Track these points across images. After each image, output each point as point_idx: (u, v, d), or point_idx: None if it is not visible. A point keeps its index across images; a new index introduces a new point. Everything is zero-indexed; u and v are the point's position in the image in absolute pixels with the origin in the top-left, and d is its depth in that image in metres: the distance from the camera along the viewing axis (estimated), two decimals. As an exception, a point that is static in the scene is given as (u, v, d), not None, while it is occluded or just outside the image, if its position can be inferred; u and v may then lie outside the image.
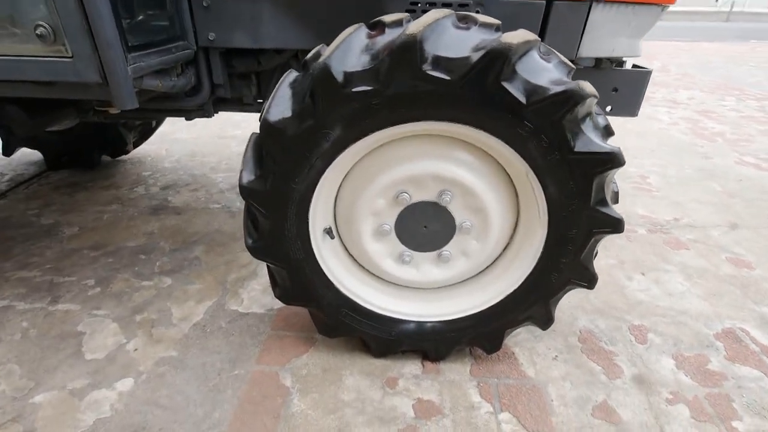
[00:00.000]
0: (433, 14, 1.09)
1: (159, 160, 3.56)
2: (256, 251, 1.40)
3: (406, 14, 1.18)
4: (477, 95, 1.08)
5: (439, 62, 1.05)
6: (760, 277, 2.11)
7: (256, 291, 2.03)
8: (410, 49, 1.03)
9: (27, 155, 3.49)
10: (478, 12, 1.54)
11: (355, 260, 1.55)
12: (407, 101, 1.11)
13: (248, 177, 1.26)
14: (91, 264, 2.22)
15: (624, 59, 1.81)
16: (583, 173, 1.17)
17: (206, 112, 2.01)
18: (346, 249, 1.54)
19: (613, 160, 1.14)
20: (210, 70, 1.79)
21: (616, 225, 1.25)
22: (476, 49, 1.04)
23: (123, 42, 1.31)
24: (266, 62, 1.83)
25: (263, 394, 1.53)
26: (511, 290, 1.45)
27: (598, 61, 1.78)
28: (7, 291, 2.01)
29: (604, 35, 1.61)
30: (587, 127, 1.13)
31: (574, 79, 1.13)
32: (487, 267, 1.53)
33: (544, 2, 1.52)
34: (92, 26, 1.22)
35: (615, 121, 4.19)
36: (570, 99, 1.06)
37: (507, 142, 1.17)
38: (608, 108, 1.82)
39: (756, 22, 17.99)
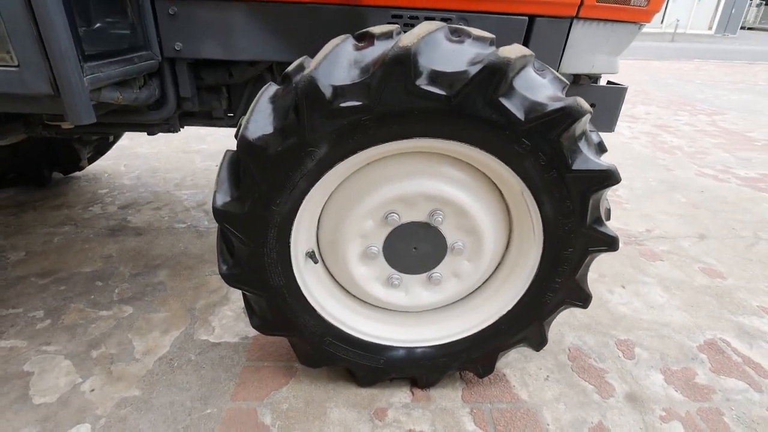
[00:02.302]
0: (426, 26, 1.03)
1: (117, 176, 3.33)
2: (232, 278, 1.28)
3: (396, 26, 1.12)
4: (473, 111, 1.03)
5: (434, 77, 0.99)
6: (733, 287, 2.17)
7: (228, 318, 1.89)
8: (404, 63, 0.96)
9: (-35, 172, 3.18)
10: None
11: (339, 285, 1.46)
12: (399, 117, 1.04)
13: (223, 199, 1.15)
14: (40, 293, 2.00)
15: (599, 76, 1.83)
16: (580, 191, 1.13)
17: (171, 126, 1.87)
18: (330, 273, 1.44)
19: (610, 177, 1.11)
20: (176, 82, 1.66)
21: (611, 243, 1.22)
22: (473, 63, 0.99)
23: (78, 50, 1.18)
24: (238, 75, 1.73)
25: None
26: (504, 311, 1.39)
27: (577, 77, 1.79)
28: (-61, 328, 1.78)
29: (584, 51, 1.62)
30: (584, 145, 1.10)
31: (567, 94, 1.11)
32: (478, 288, 1.47)
33: (527, 18, 1.51)
34: (42, 32, 1.09)
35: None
36: (568, 116, 1.02)
37: (503, 160, 1.12)
38: None
39: (698, 43, 19.37)
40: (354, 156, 1.11)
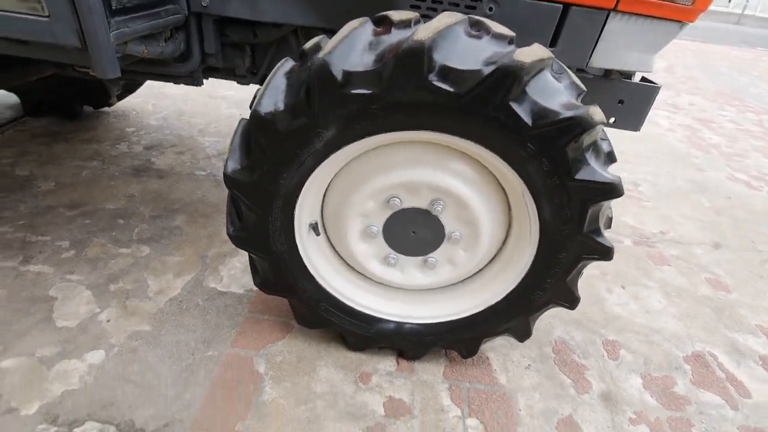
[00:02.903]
0: (445, 19, 1.01)
1: (144, 115, 3.42)
2: (238, 240, 1.36)
3: (416, 14, 1.10)
4: (481, 111, 1.03)
5: (446, 73, 0.99)
6: (735, 302, 2.15)
7: (236, 269, 2.00)
8: (417, 57, 0.96)
9: (3, 97, 3.31)
10: (491, 9, 1.46)
11: (339, 256, 1.52)
12: (408, 109, 1.05)
13: (234, 166, 1.20)
14: (67, 224, 2.15)
15: (633, 72, 1.75)
16: (580, 201, 1.14)
17: (195, 79, 1.90)
18: (332, 244, 1.50)
19: (613, 191, 1.11)
20: (201, 37, 1.68)
21: (605, 253, 1.23)
22: (487, 63, 0.98)
23: (106, 5, 1.21)
24: (263, 35, 1.72)
25: (236, 379, 1.53)
26: (493, 302, 1.44)
27: (608, 72, 1.72)
28: (-23, 246, 1.94)
29: (618, 47, 1.55)
30: (591, 155, 1.10)
31: (584, 101, 1.09)
32: (471, 276, 1.52)
33: (561, 6, 1.44)
34: (71, -16, 1.12)
35: (615, 122, 4.14)
36: (578, 126, 1.02)
37: (506, 161, 1.13)
38: (612, 120, 1.78)
39: (765, 29, 17.76)
40: (361, 141, 1.14)
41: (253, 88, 2.92)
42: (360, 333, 1.57)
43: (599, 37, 1.50)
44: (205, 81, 1.95)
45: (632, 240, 2.55)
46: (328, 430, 1.40)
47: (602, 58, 1.56)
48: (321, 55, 1.02)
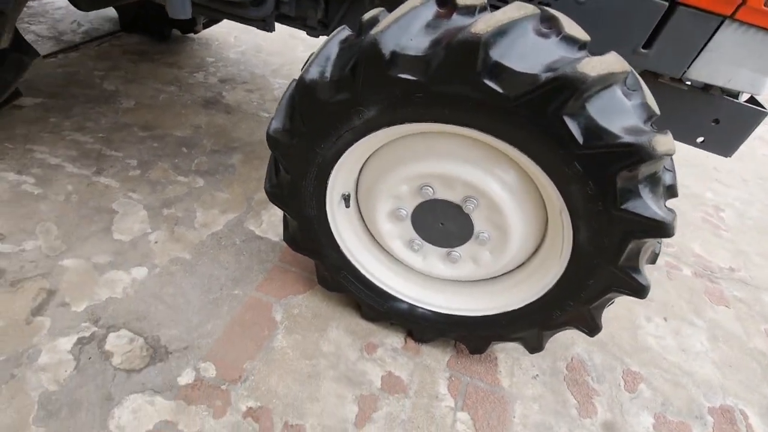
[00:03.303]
0: (513, 12, 0.92)
1: (225, 47, 3.52)
2: (273, 196, 1.40)
3: (483, 0, 1.00)
4: (531, 118, 0.95)
5: (499, 72, 0.91)
6: (791, 363, 1.93)
7: (276, 218, 2.09)
8: (470, 51, 0.89)
9: (105, 11, 3.53)
10: None
11: (366, 229, 1.53)
12: (453, 103, 0.99)
13: (276, 126, 1.22)
14: (138, 144, 2.33)
15: (739, 92, 1.52)
16: (622, 233, 1.04)
17: (267, 25, 1.91)
18: (362, 217, 1.51)
19: (661, 230, 1.00)
20: (277, -16, 1.66)
21: (638, 291, 1.14)
22: (547, 69, 0.89)
23: (184, -54, 1.22)
24: (338, -12, 1.67)
25: (253, 321, 1.64)
26: (509, 308, 1.40)
27: (708, 86, 1.50)
28: (61, 150, 2.17)
29: (725, 60, 1.34)
30: (644, 187, 0.99)
31: (656, 125, 0.96)
32: (493, 277, 1.48)
33: (667, 4, 1.26)
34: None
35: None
36: (635, 155, 0.91)
37: (549, 175, 1.05)
38: (700, 139, 1.58)
39: None
40: (402, 126, 1.10)
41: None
42: (374, 306, 1.61)
43: (705, 45, 1.30)
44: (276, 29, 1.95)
45: (693, 270, 2.33)
46: (324, 388, 1.48)
47: (704, 71, 1.36)
48: (374, 31, 0.97)
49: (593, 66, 0.88)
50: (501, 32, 0.90)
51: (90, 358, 1.42)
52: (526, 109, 0.93)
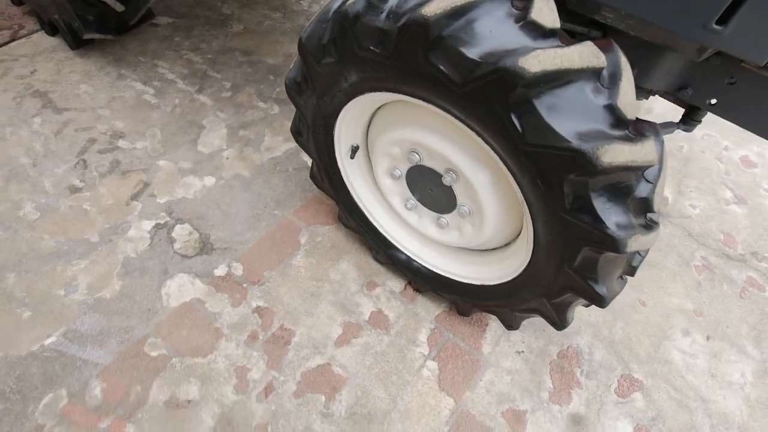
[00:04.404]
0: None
1: (337, -27, 3.58)
2: (295, 137, 1.58)
3: None
4: (480, 105, 0.92)
5: (447, 55, 0.89)
6: None
7: (329, 152, 2.28)
8: (417, 33, 0.88)
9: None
10: None
11: (374, 178, 1.64)
12: (414, 80, 1.00)
13: (291, 75, 1.35)
14: (236, 68, 2.66)
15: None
16: (573, 238, 0.99)
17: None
18: (371, 167, 1.61)
19: (610, 246, 0.93)
20: None
21: (596, 300, 1.08)
22: (491, 58, 0.84)
23: None
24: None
25: (282, 239, 1.93)
26: (486, 283, 1.43)
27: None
28: (177, 67, 2.61)
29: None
30: (600, 197, 0.91)
31: (636, 133, 0.86)
32: (479, 250, 1.49)
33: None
34: None
35: None
36: (578, 164, 0.84)
37: (504, 164, 1.01)
38: None
39: None
40: (381, 93, 1.15)
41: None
42: (378, 250, 1.76)
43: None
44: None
45: (756, 287, 1.94)
46: (320, 307, 1.74)
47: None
48: (345, 6, 1.01)
49: (540, 60, 0.81)
50: (455, 13, 0.86)
51: (160, 240, 1.88)
52: (474, 95, 0.91)
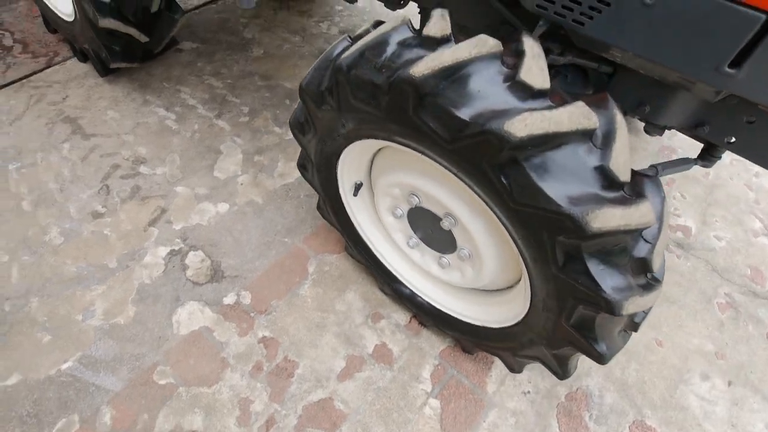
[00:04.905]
0: (465, 50, 0.85)
1: (357, -5, 3.63)
2: (301, 171, 1.61)
3: (447, 30, 0.93)
4: (469, 162, 0.91)
5: (437, 114, 0.89)
6: None
7: (341, 178, 2.30)
8: (405, 93, 0.88)
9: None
10: None
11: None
12: (408, 134, 1.00)
13: (295, 115, 1.37)
14: (254, 92, 2.73)
15: None
16: (567, 296, 0.96)
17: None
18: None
19: (605, 307, 0.90)
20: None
21: (596, 358, 1.05)
22: (479, 119, 0.83)
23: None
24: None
25: (291, 267, 1.96)
26: (488, 325, 1.41)
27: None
28: (198, 93, 2.70)
29: None
30: (594, 258, 0.88)
31: (632, 194, 0.83)
32: (481, 290, 1.47)
33: (764, 17, 0.95)
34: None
35: None
36: (569, 229, 0.82)
37: (497, 217, 1.00)
38: None
39: None
40: (377, 140, 1.15)
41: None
42: (382, 282, 1.75)
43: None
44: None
45: (815, 337, 1.82)
46: (325, 339, 1.75)
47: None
48: (344, 54, 1.02)
49: (527, 124, 0.79)
50: (444, 73, 0.86)
51: (174, 267, 1.94)
52: (463, 152, 0.90)
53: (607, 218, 0.80)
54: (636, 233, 0.87)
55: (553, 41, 1.43)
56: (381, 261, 1.68)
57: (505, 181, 0.86)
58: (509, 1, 1.42)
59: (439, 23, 0.92)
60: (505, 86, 0.85)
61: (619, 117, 0.87)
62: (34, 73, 2.75)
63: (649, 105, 1.42)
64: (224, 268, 1.94)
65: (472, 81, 0.86)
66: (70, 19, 2.46)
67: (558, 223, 0.83)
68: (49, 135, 2.43)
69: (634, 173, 0.93)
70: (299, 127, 1.37)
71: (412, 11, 2.23)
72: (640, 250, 0.91)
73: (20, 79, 2.72)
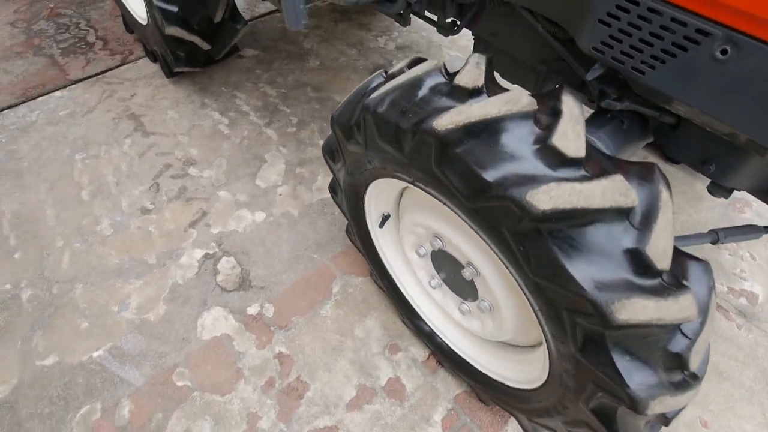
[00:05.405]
0: (494, 106, 0.79)
1: (418, 10, 3.60)
2: (332, 194, 1.61)
3: (481, 79, 0.87)
4: (493, 227, 0.85)
5: (460, 170, 0.83)
6: None
7: (377, 198, 2.28)
8: (428, 145, 0.84)
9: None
10: (724, 53, 0.94)
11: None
12: (429, 181, 0.95)
13: (328, 141, 1.37)
14: (305, 103, 2.78)
15: None
16: (587, 381, 0.87)
17: (403, 20, 1.95)
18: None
19: (628, 403, 0.80)
20: (407, -17, 1.69)
21: (613, 447, 0.94)
22: (501, 185, 0.77)
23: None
24: (455, -6, 1.60)
25: (316, 285, 1.96)
26: (506, 382, 1.32)
27: None
28: (252, 99, 2.79)
29: None
30: (617, 347, 0.79)
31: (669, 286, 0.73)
32: (501, 343, 1.38)
33: None
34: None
35: None
36: (593, 316, 0.74)
37: (518, 284, 0.92)
38: None
39: None
40: (401, 181, 1.11)
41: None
42: (404, 316, 1.71)
43: None
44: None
45: None
46: (339, 364, 1.73)
47: None
48: (372, 95, 0.99)
49: (552, 196, 0.72)
50: (470, 129, 0.80)
51: (206, 270, 2.00)
52: (483, 213, 0.84)
53: (637, 310, 0.71)
54: (672, 327, 0.77)
55: (609, 84, 1.32)
56: (403, 294, 1.63)
57: (525, 251, 0.79)
58: (566, 38, 1.33)
59: (472, 72, 0.86)
60: (535, 149, 0.78)
61: (665, 195, 0.77)
62: (109, 69, 2.97)
63: (714, 164, 1.27)
64: (252, 277, 1.98)
65: (500, 140, 0.79)
66: (144, 22, 2.63)
67: (580, 307, 0.75)
68: (114, 129, 2.61)
69: (680, 253, 0.83)
70: (330, 154, 1.36)
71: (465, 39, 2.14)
72: (676, 345, 0.80)
73: (97, 74, 2.94)
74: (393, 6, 1.81)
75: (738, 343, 1.80)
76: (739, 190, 1.32)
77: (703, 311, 0.79)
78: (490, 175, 0.78)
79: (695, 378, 0.84)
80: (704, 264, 0.81)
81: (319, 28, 3.38)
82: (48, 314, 1.85)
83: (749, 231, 1.35)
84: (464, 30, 1.83)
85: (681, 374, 0.83)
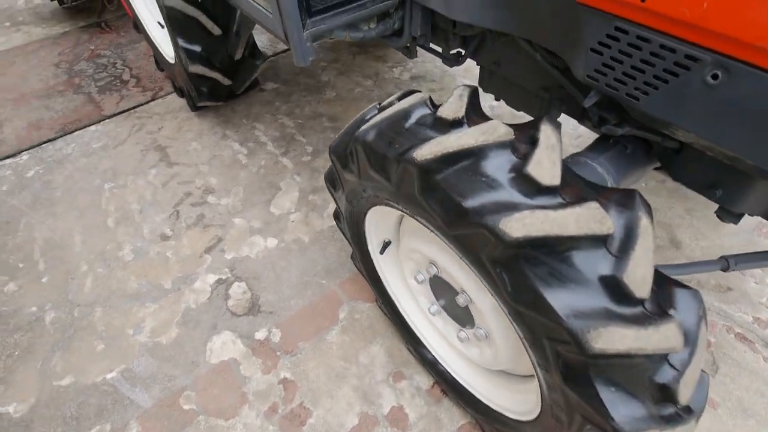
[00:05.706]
0: (472, 137, 0.82)
1: (433, 43, 3.71)
2: (335, 220, 1.64)
3: (459, 114, 0.90)
4: (475, 256, 0.86)
5: (441, 198, 0.85)
6: None
7: (387, 225, 2.31)
8: (409, 174, 0.87)
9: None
10: (714, 77, 0.94)
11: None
12: (417, 209, 0.97)
13: (327, 173, 1.42)
14: (320, 133, 2.88)
15: None
16: (575, 414, 0.84)
17: (410, 52, 2.03)
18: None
19: (613, 436, 0.77)
20: (411, 20, 1.76)
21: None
22: (478, 213, 0.78)
23: (303, 10, 1.48)
24: (461, 30, 1.66)
25: (323, 311, 1.98)
26: (505, 412, 1.28)
27: None
28: (270, 130, 2.91)
29: None
30: (601, 377, 0.77)
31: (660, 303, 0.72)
32: (499, 372, 1.35)
33: None
34: (277, -2, 1.43)
35: None
36: (571, 346, 0.73)
37: (502, 309, 0.92)
38: None
39: None
40: (394, 209, 1.14)
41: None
42: (407, 342, 1.70)
43: None
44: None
45: None
46: (342, 391, 1.72)
47: None
48: (363, 126, 1.03)
49: (524, 224, 0.72)
50: (447, 159, 0.83)
51: (218, 295, 2.06)
52: (463, 240, 0.85)
53: (615, 339, 0.70)
54: (657, 358, 0.75)
55: (609, 110, 1.33)
56: (406, 320, 1.63)
57: (503, 278, 0.80)
58: (564, 66, 1.35)
59: (455, 104, 0.89)
60: (510, 177, 0.79)
61: (645, 221, 0.76)
62: (141, 105, 3.18)
63: (721, 189, 1.24)
64: (262, 302, 2.02)
65: (478, 169, 0.82)
66: (172, 61, 2.82)
67: (557, 335, 0.74)
68: (141, 160, 2.76)
69: (668, 281, 0.81)
70: (332, 183, 1.40)
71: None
72: (663, 376, 0.77)
73: (129, 109, 3.15)
74: (399, 40, 1.88)
75: (764, 378, 1.69)
76: (751, 215, 1.28)
77: (692, 341, 0.76)
78: (468, 203, 0.80)
79: (689, 412, 0.80)
80: (693, 292, 0.79)
81: (338, 61, 3.52)
82: (68, 336, 1.93)
83: (763, 258, 1.30)
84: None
85: (673, 408, 0.79)
